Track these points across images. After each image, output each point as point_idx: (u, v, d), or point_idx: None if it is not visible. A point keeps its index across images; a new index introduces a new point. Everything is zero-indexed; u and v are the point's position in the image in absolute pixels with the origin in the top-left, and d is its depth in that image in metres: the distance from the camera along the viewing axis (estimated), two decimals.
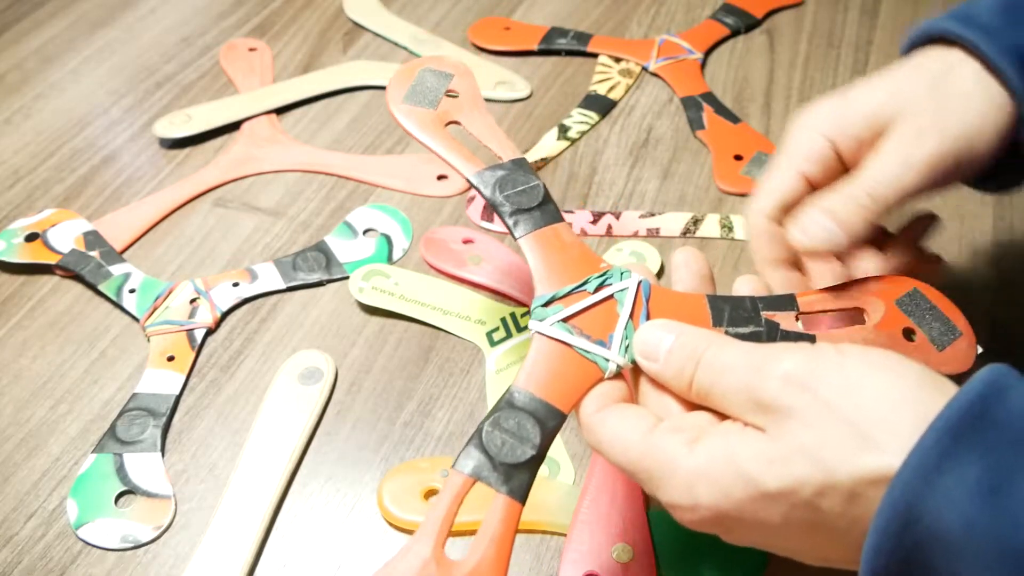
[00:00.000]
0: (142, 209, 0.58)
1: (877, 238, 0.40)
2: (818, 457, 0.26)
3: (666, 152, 0.61)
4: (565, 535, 0.41)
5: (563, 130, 0.62)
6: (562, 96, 0.65)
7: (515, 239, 0.36)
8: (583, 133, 0.62)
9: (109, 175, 0.61)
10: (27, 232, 0.55)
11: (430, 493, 0.42)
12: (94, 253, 0.54)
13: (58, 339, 0.51)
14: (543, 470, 0.43)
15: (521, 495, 0.30)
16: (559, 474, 0.43)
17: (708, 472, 0.28)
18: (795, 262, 0.39)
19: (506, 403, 0.32)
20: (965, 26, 0.35)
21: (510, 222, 0.36)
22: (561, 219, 0.36)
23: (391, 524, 0.42)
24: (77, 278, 0.53)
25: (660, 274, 0.52)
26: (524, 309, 0.50)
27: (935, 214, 0.41)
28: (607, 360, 0.33)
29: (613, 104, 0.64)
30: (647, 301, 0.34)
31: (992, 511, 0.23)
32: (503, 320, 0.50)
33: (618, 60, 0.68)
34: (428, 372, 0.48)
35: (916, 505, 0.24)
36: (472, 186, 0.37)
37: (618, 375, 0.33)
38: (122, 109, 0.66)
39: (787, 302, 0.35)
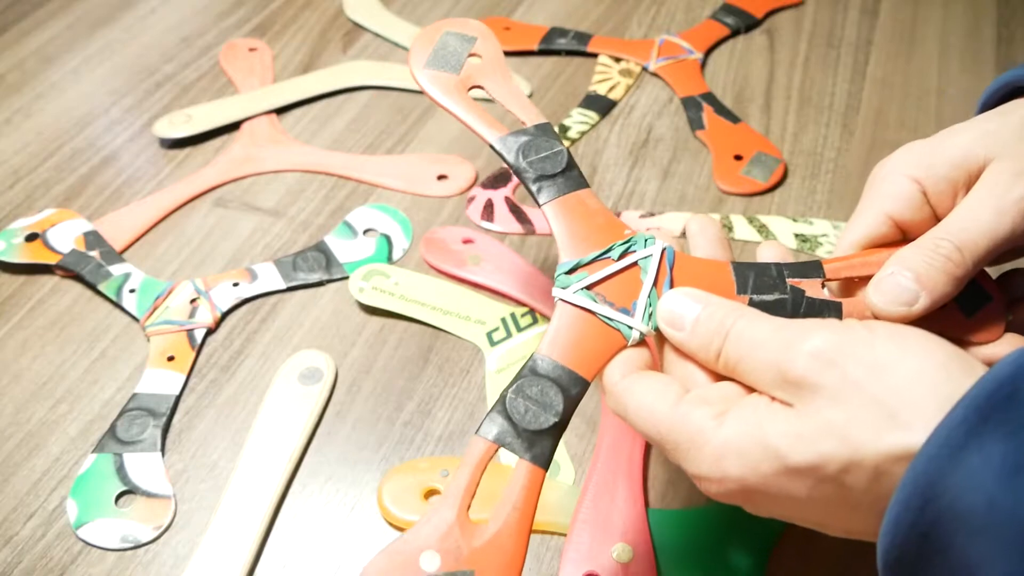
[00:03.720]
0: (142, 209, 0.58)
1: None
2: (844, 434, 0.26)
3: (666, 152, 0.61)
4: (565, 535, 0.41)
5: (563, 130, 0.62)
6: (562, 96, 0.66)
7: (539, 206, 0.35)
8: (583, 133, 0.62)
9: (109, 175, 0.61)
10: (27, 232, 0.55)
11: (430, 493, 0.42)
12: (94, 253, 0.54)
13: (58, 339, 0.51)
14: None
15: (544, 461, 0.30)
16: (559, 474, 0.43)
17: (736, 446, 0.28)
18: None
19: (529, 370, 0.32)
20: None
21: (533, 188, 0.36)
22: (586, 185, 0.36)
23: (391, 524, 0.42)
24: (77, 278, 0.53)
25: None
26: (524, 309, 0.50)
27: None
28: (630, 328, 0.33)
29: (613, 104, 0.64)
30: (671, 268, 0.34)
31: (1016, 492, 0.23)
32: (503, 320, 0.50)
33: (618, 60, 0.68)
34: (428, 372, 0.48)
35: (939, 481, 0.24)
36: (495, 151, 0.36)
37: (641, 342, 0.33)
38: (122, 109, 0.66)
39: (813, 268, 0.34)
